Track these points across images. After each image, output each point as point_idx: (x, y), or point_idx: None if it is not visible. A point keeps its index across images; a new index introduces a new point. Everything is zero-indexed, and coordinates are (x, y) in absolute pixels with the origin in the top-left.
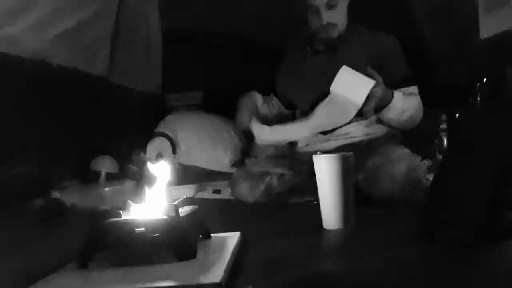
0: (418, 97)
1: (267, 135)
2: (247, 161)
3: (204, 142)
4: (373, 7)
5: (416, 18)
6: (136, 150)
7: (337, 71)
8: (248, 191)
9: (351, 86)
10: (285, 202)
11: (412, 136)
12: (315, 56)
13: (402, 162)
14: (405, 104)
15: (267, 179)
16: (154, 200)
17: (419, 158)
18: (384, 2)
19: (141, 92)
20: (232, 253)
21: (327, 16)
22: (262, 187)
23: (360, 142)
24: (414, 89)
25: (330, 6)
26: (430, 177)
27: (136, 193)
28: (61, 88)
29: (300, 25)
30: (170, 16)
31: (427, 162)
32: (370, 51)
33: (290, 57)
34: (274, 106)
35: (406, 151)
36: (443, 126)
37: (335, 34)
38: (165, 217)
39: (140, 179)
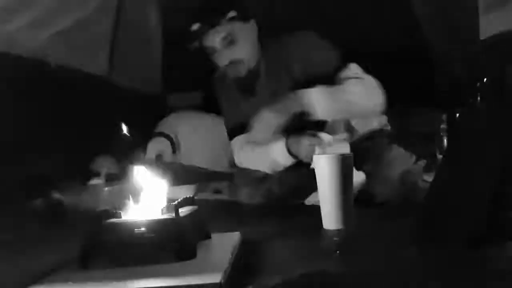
0: (360, 79)
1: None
2: None
3: (204, 142)
4: (372, 8)
5: (416, 18)
6: (136, 150)
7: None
8: (248, 197)
9: None
10: (285, 203)
11: (411, 135)
12: (240, 95)
13: (397, 165)
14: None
15: (267, 185)
16: (153, 200)
17: (414, 157)
18: (384, 2)
19: (141, 92)
20: (232, 253)
21: (228, 55)
22: (262, 192)
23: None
24: (355, 68)
25: (228, 44)
26: (427, 177)
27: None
28: (60, 87)
29: None
30: (170, 16)
31: (422, 163)
32: (295, 67)
33: (226, 95)
34: None
35: (401, 151)
36: (443, 126)
37: (242, 71)
38: (165, 217)
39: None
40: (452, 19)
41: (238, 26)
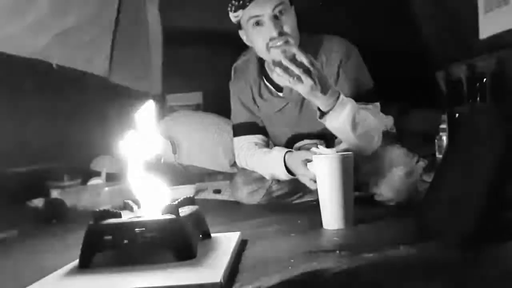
0: (379, 116)
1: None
2: None
3: (204, 142)
4: (372, 8)
5: (416, 18)
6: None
7: (303, 111)
8: (248, 196)
9: None
10: (285, 203)
11: (411, 135)
12: (273, 96)
13: (399, 165)
14: (359, 116)
15: (267, 184)
16: (152, 198)
17: (416, 157)
18: (384, 2)
19: (141, 92)
20: (232, 253)
21: (276, 26)
22: (262, 192)
23: None
24: (374, 106)
25: (279, 13)
26: (427, 177)
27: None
28: (61, 88)
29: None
30: (170, 16)
31: (423, 164)
32: (329, 69)
33: (241, 87)
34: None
35: (403, 151)
36: (443, 126)
37: (293, 49)
38: (165, 217)
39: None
40: (452, 19)
41: (287, 1)
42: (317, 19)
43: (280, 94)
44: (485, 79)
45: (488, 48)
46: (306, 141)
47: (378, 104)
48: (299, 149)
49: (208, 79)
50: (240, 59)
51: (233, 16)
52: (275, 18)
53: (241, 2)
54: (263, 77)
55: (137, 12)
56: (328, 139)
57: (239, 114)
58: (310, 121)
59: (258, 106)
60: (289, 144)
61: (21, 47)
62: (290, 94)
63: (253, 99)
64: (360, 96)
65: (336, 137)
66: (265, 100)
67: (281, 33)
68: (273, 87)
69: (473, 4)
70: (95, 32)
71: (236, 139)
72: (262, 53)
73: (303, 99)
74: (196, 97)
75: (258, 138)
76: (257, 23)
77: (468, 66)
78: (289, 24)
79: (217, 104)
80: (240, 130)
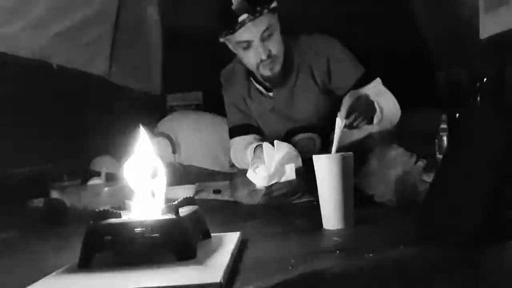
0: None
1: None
2: None
3: (204, 142)
4: (373, 7)
5: (417, 18)
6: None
7: (293, 108)
8: (248, 197)
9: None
10: (285, 203)
11: (411, 135)
12: (262, 96)
13: (397, 166)
14: (389, 106)
15: None
16: (153, 200)
17: (414, 157)
18: (384, 1)
19: (141, 92)
20: (232, 253)
21: (265, 50)
22: (262, 192)
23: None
24: (379, 83)
25: (267, 37)
26: (427, 177)
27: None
28: (61, 88)
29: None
30: (170, 16)
31: (422, 163)
32: (318, 66)
33: (232, 92)
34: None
35: (401, 151)
36: (443, 126)
37: (277, 68)
38: (165, 217)
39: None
40: (452, 19)
41: (275, 18)
42: (315, 17)
43: (270, 94)
44: (485, 79)
45: (488, 48)
46: (300, 135)
47: (379, 79)
48: (295, 143)
49: (208, 79)
50: (226, 67)
51: (220, 39)
52: (263, 41)
53: (230, 29)
54: (251, 79)
55: (137, 13)
56: (321, 131)
57: (233, 117)
58: (302, 116)
59: (249, 107)
60: (284, 140)
61: (21, 47)
62: (279, 93)
63: (244, 101)
64: (361, 80)
65: (329, 131)
66: (255, 101)
67: (269, 56)
68: (263, 88)
69: (473, 4)
70: (95, 32)
71: (231, 140)
72: (252, 69)
73: (293, 95)
74: (196, 97)
75: (252, 138)
76: (246, 47)
77: (468, 66)
78: (276, 46)
79: (217, 104)
80: (234, 131)
